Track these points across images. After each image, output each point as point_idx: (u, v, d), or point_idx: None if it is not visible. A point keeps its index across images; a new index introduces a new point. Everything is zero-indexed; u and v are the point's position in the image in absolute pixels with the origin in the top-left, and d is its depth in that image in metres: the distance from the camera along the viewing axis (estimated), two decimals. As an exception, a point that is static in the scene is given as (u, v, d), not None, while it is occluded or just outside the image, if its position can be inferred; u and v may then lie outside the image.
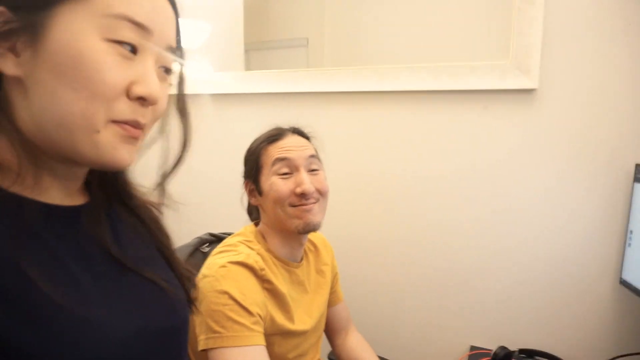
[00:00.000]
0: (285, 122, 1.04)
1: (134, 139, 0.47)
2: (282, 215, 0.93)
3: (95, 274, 0.47)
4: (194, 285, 0.59)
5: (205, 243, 1.06)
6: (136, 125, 0.47)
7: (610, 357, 1.19)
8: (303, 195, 0.92)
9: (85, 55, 0.42)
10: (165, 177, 0.56)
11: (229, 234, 1.03)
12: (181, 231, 1.57)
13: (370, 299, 1.49)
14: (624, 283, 1.17)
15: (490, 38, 1.32)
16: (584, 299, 1.26)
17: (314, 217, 0.93)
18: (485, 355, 1.28)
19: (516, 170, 1.30)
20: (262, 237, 0.96)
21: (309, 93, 1.53)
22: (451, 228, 1.38)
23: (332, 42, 1.61)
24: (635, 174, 1.15)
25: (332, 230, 1.46)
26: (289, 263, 0.97)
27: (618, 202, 1.20)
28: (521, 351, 1.28)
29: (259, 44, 1.75)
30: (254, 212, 1.04)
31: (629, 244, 1.16)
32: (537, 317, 1.31)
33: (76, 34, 0.42)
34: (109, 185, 0.56)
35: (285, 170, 0.93)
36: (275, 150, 0.95)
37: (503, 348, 1.24)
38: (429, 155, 1.39)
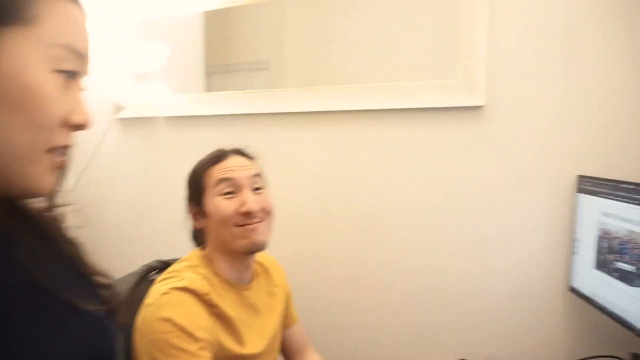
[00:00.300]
0: (242, 144, 1.05)
1: (64, 167, 0.47)
2: (227, 236, 0.92)
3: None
4: (114, 296, 0.55)
5: (154, 270, 1.04)
6: (67, 150, 0.46)
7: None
8: (248, 215, 0.92)
9: (34, 88, 0.41)
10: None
11: (178, 260, 1.01)
12: (130, 259, 1.56)
13: (325, 317, 1.49)
14: (573, 290, 1.20)
15: (441, 58, 1.37)
16: (537, 307, 1.28)
17: (259, 237, 0.93)
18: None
19: (467, 185, 1.33)
20: (209, 261, 0.95)
21: (269, 114, 1.55)
22: (406, 244, 1.40)
23: (293, 64, 1.63)
24: (578, 184, 1.19)
25: (296, 251, 1.48)
26: (238, 285, 0.95)
27: (563, 212, 1.24)
28: (480, 364, 1.29)
29: (222, 67, 1.76)
30: (199, 237, 1.03)
31: (575, 252, 1.20)
32: (494, 329, 1.33)
33: (25, 63, 0.40)
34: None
35: (229, 190, 0.93)
36: (218, 171, 0.95)
37: (463, 362, 1.25)
38: (387, 172, 1.41)
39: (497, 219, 1.31)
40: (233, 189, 0.94)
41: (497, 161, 1.30)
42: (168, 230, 1.67)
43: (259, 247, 0.93)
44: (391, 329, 1.43)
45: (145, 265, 1.03)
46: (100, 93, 1.78)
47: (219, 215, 0.92)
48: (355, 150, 1.45)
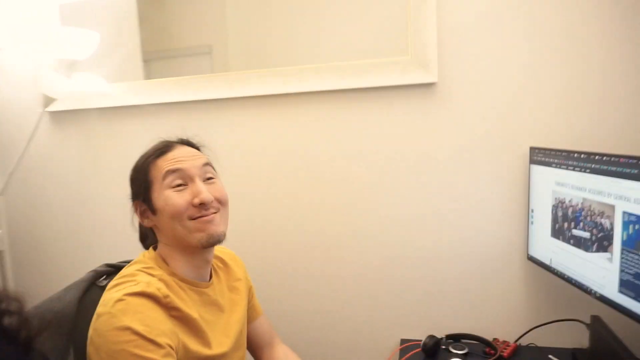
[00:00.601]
0: (187, 134, 0.97)
1: None
2: (181, 231, 0.85)
3: None
4: (24, 324, 0.47)
5: (102, 276, 0.94)
6: None
7: (527, 329, 1.26)
8: (202, 206, 0.85)
9: None
10: None
11: (129, 263, 0.93)
12: (75, 265, 1.43)
13: (294, 303, 1.46)
14: (532, 259, 1.24)
15: (391, 36, 1.34)
16: (498, 278, 1.31)
17: (217, 228, 0.87)
18: (415, 346, 1.29)
19: (423, 162, 1.33)
20: (163, 261, 0.88)
21: (213, 100, 1.47)
22: (364, 223, 1.39)
23: (236, 48, 1.55)
24: (531, 156, 1.22)
25: (248, 237, 1.43)
26: (198, 284, 0.89)
27: (518, 183, 1.27)
28: (448, 337, 1.30)
29: (160, 53, 1.64)
30: (148, 236, 0.95)
31: (532, 222, 1.23)
32: (458, 302, 1.35)
33: None
34: None
35: (179, 182, 0.87)
36: (165, 163, 0.87)
37: (431, 337, 1.26)
38: (340, 153, 1.38)
39: (455, 194, 1.32)
40: (183, 181, 0.86)
41: (451, 137, 1.30)
42: (112, 231, 1.59)
43: (217, 239, 0.87)
44: (351, 303, 1.43)
45: (92, 271, 0.94)
46: (25, 84, 1.62)
47: (171, 209, 0.84)
48: (308, 133, 1.40)
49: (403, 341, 1.35)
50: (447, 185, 1.32)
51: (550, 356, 1.20)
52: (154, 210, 0.87)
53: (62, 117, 1.63)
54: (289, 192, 1.43)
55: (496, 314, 1.32)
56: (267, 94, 1.41)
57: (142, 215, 0.89)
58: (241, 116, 1.45)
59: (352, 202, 1.39)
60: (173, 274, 0.86)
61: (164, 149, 0.89)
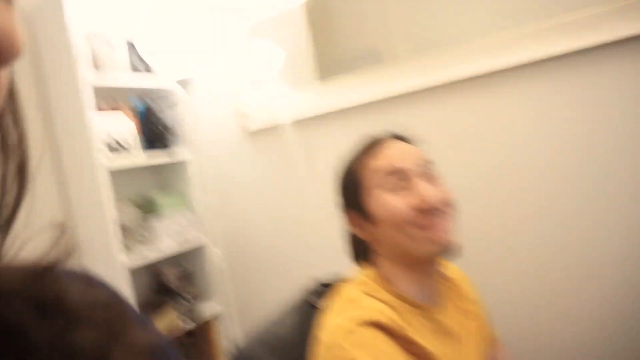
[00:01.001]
0: (393, 129, 0.83)
1: None
2: (406, 242, 0.71)
3: None
4: None
5: (316, 294, 0.85)
6: None
7: None
8: (430, 211, 0.70)
9: None
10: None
11: (341, 279, 0.82)
12: (287, 282, 1.41)
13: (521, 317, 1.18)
14: None
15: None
16: None
17: (447, 236, 0.70)
18: None
19: None
20: (386, 280, 0.74)
21: (406, 95, 1.30)
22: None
23: (405, 47, 1.38)
24: None
25: (484, 248, 1.19)
26: (429, 308, 0.72)
27: None
28: None
29: (331, 61, 1.57)
30: (362, 251, 0.82)
31: None
32: None
33: None
34: None
35: (399, 183, 0.72)
36: (380, 162, 0.74)
37: None
38: (566, 136, 1.08)
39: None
40: (404, 182, 0.72)
41: None
42: (319, 246, 1.53)
43: (449, 249, 0.70)
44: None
45: (306, 290, 0.85)
46: (227, 103, 1.71)
47: (392, 216, 0.71)
48: (503, 120, 1.13)
49: None
50: None
51: None
52: (370, 219, 0.74)
53: (258, 135, 1.66)
54: (510, 189, 1.18)
55: None
56: (461, 78, 1.19)
57: (355, 225, 0.77)
58: (443, 106, 1.25)
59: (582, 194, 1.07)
60: (400, 296, 0.71)
61: (375, 146, 0.77)
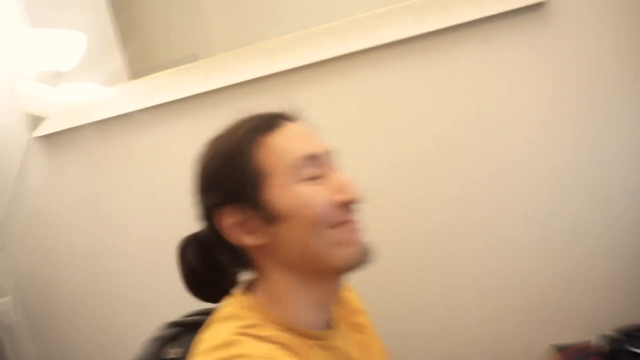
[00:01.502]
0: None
1: None
2: (319, 247, 0.54)
3: None
4: None
5: (171, 340, 0.61)
6: None
7: None
8: (348, 206, 0.55)
9: None
10: None
11: (202, 315, 0.60)
12: (108, 331, 1.06)
13: (419, 311, 1.12)
14: None
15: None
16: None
17: (365, 240, 0.57)
18: (584, 352, 0.96)
19: (532, 112, 1.01)
20: (271, 306, 0.55)
21: (250, 81, 1.13)
22: (499, 208, 1.06)
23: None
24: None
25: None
26: (324, 336, 0.57)
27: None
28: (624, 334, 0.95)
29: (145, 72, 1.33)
30: (227, 272, 0.61)
31: None
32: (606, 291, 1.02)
33: None
34: None
35: (314, 173, 0.56)
36: (291, 145, 0.56)
37: (608, 336, 0.93)
38: (442, 112, 1.06)
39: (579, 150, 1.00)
40: (318, 171, 0.56)
41: (572, 75, 0.99)
42: (147, 277, 1.22)
43: (369, 258, 0.56)
44: (477, 306, 1.09)
45: (153, 337, 0.60)
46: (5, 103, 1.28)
47: (312, 212, 0.53)
48: (380, 98, 1.08)
49: (560, 348, 1.02)
50: (580, 139, 1.00)
51: None
52: (270, 218, 0.54)
53: (55, 141, 1.29)
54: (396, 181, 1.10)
55: None
56: (324, 59, 1.08)
57: (240, 228, 0.55)
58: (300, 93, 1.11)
59: (473, 182, 1.06)
60: (290, 327, 0.54)
61: (273, 125, 0.57)
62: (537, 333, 1.06)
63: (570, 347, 0.99)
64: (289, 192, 0.54)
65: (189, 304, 0.65)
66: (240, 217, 0.55)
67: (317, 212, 0.53)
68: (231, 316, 0.54)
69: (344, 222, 0.55)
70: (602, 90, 0.98)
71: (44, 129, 1.27)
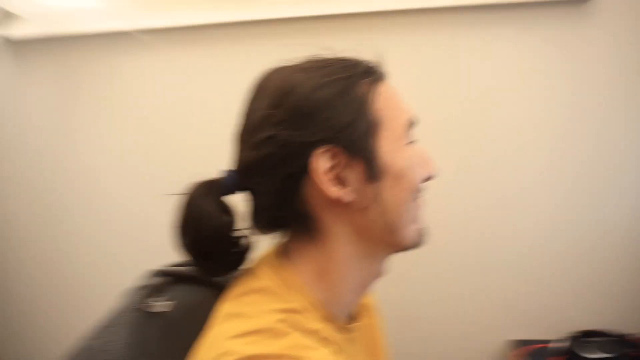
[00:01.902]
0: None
1: None
2: (404, 218, 0.47)
3: None
4: None
5: (157, 291, 0.52)
6: None
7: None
8: (424, 182, 0.50)
9: None
10: None
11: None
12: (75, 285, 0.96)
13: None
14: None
15: None
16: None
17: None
18: (542, 349, 0.97)
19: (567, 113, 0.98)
20: (312, 288, 0.46)
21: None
22: (467, 201, 1.03)
23: None
24: None
25: None
26: (354, 329, 0.51)
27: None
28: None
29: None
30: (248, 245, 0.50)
31: None
32: (571, 291, 1.03)
33: None
34: None
35: (411, 140, 0.49)
36: (403, 106, 0.49)
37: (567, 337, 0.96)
38: (458, 92, 1.01)
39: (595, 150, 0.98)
40: (412, 140, 0.50)
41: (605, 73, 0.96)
42: (124, 219, 1.11)
43: (425, 240, 0.51)
44: (437, 300, 1.08)
45: (137, 285, 0.52)
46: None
47: (414, 177, 0.47)
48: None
49: (519, 343, 1.02)
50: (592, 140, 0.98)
51: None
52: (375, 173, 0.45)
53: (27, 48, 1.14)
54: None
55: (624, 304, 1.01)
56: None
57: (332, 176, 0.45)
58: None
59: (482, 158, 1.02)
60: (330, 317, 0.46)
61: (383, 75, 0.49)
62: (498, 327, 1.06)
63: (528, 344, 1.00)
64: (401, 151, 0.47)
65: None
66: (342, 162, 0.45)
67: (417, 180, 0.47)
68: (267, 291, 0.44)
69: (420, 201, 0.49)
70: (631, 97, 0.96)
71: (16, 30, 1.12)
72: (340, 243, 0.46)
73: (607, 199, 1.00)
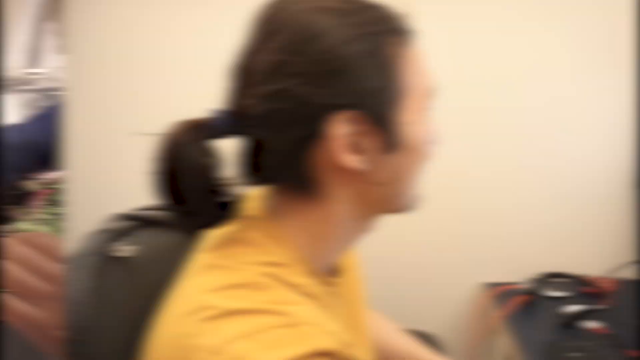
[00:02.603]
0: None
1: None
2: (408, 187, 0.46)
3: None
4: None
5: (122, 235, 0.49)
6: None
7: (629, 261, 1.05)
8: None
9: None
10: None
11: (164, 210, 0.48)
12: None
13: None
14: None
15: None
16: (594, 206, 1.09)
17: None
18: (512, 291, 1.03)
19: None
20: (299, 245, 0.43)
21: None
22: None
23: None
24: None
25: None
26: (337, 282, 0.49)
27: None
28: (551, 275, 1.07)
29: None
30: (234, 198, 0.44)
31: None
32: (549, 236, 1.10)
33: None
34: None
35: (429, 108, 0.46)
36: (427, 73, 0.44)
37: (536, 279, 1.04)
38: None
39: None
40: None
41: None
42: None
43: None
44: (413, 244, 1.12)
45: (101, 228, 0.48)
46: None
47: (428, 150, 0.45)
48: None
49: (490, 285, 1.08)
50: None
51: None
52: (393, 144, 0.42)
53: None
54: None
55: (597, 248, 1.10)
56: None
57: (348, 143, 0.40)
58: None
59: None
60: (313, 271, 0.44)
61: (412, 35, 0.43)
62: (470, 270, 1.12)
63: (498, 286, 1.06)
64: (421, 124, 0.43)
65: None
66: (363, 130, 0.40)
67: (429, 154, 0.45)
68: (251, 242, 0.41)
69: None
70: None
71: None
72: (339, 206, 0.44)
73: (570, 144, 1.05)
